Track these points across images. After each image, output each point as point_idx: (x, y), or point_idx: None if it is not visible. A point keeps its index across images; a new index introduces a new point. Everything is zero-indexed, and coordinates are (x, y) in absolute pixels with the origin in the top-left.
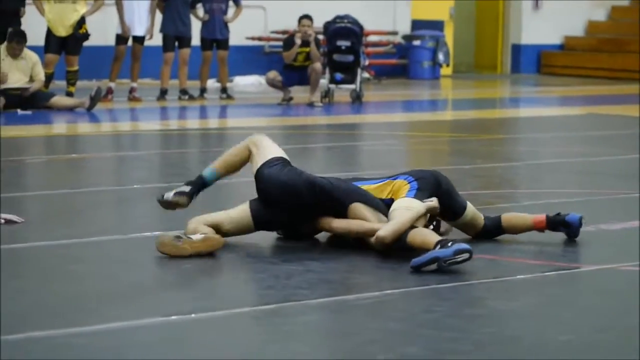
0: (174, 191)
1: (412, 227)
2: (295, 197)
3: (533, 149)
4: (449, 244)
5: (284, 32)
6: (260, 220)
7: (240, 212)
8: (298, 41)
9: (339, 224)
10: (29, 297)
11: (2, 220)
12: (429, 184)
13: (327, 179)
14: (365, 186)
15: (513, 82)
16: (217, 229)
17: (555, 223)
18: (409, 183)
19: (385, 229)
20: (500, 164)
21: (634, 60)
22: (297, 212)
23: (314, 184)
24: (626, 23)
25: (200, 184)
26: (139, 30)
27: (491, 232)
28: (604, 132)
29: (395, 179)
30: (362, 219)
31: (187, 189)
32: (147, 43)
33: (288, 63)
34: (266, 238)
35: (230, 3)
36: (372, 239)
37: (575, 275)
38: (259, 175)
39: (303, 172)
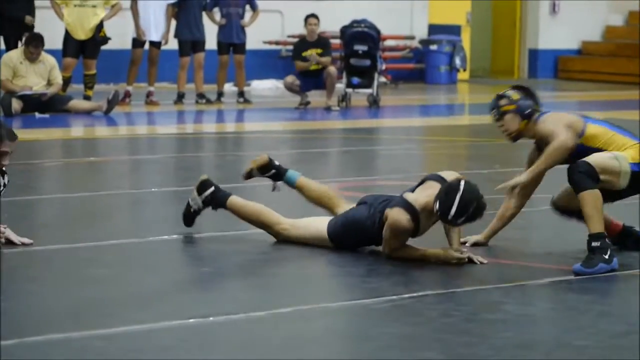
0: None
1: None
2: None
3: None
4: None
5: (300, 36)
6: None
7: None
8: (311, 62)
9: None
10: (47, 299)
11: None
12: None
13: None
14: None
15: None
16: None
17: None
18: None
19: None
20: (518, 168)
21: None
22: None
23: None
24: None
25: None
26: (155, 35)
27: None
28: None
29: None
30: None
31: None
32: (163, 47)
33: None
34: (282, 244)
35: (247, 7)
36: None
37: (594, 280)
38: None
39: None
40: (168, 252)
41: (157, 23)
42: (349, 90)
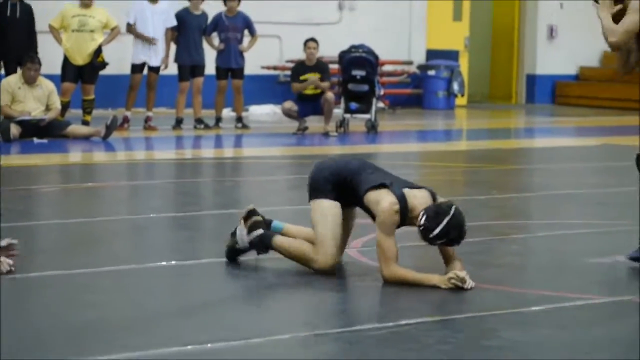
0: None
1: None
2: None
3: (548, 180)
4: None
5: (299, 61)
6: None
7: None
8: (308, 84)
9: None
10: (45, 326)
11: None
12: None
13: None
14: None
15: (528, 112)
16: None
17: None
18: None
19: None
20: (515, 194)
21: None
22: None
23: None
24: None
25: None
26: (154, 60)
27: None
28: (619, 163)
29: None
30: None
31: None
32: (162, 72)
33: (297, 93)
34: (280, 269)
35: (246, 32)
36: None
37: (589, 307)
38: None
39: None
40: (166, 278)
41: (156, 48)
42: (347, 115)
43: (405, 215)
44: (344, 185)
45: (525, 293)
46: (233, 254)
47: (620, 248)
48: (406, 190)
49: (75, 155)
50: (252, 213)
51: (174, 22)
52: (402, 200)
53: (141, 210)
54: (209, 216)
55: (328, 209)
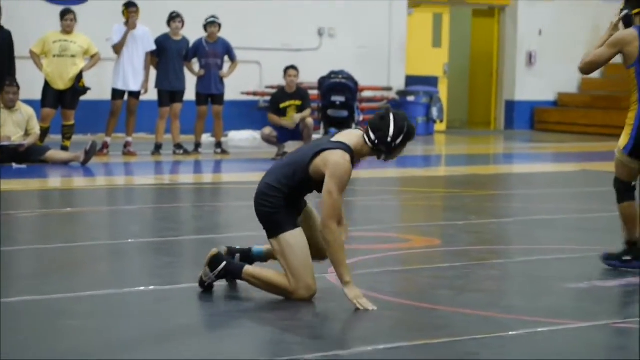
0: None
1: None
2: None
3: (527, 205)
4: None
5: (279, 87)
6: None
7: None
8: (284, 123)
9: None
10: (24, 351)
11: None
12: None
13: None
14: None
15: (507, 138)
16: None
17: None
18: None
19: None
20: (493, 220)
21: None
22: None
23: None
24: (620, 80)
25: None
26: (134, 85)
27: None
28: (597, 188)
29: None
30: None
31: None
32: (142, 97)
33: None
34: (257, 294)
35: (226, 58)
36: None
37: (566, 331)
38: None
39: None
40: (144, 304)
41: (135, 73)
42: None
43: (352, 157)
44: (295, 186)
45: (503, 318)
46: (207, 288)
47: (597, 273)
48: (336, 137)
49: (54, 180)
50: (216, 258)
51: (153, 47)
52: (343, 146)
53: (120, 235)
54: (188, 241)
55: (293, 240)
